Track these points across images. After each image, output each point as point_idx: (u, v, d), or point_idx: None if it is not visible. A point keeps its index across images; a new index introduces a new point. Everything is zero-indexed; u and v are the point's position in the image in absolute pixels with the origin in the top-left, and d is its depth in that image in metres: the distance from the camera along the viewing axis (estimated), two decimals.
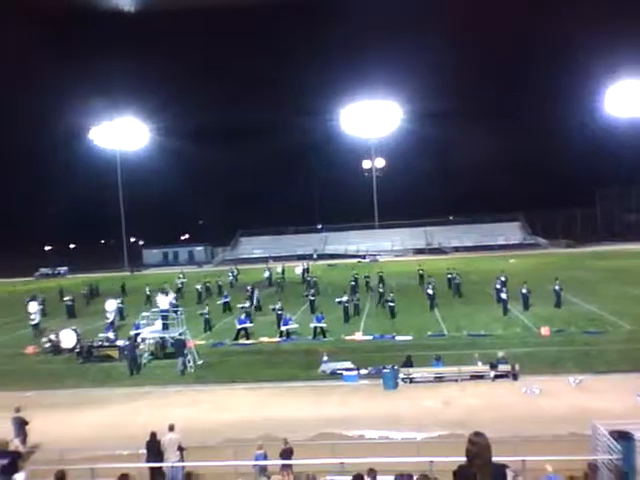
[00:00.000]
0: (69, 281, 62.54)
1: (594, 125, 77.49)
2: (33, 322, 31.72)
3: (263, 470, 12.10)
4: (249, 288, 36.68)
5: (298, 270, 49.57)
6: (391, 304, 30.94)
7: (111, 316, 31.36)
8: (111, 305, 31.89)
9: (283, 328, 27.44)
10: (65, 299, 38.70)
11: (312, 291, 35.00)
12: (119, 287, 46.45)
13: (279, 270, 49.58)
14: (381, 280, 39.44)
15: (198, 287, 40.68)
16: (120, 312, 34.49)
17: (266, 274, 47.53)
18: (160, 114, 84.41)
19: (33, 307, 32.47)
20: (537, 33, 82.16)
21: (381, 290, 34.62)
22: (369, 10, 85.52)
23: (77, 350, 25.60)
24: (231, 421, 16.55)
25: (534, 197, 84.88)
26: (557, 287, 30.77)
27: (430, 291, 32.49)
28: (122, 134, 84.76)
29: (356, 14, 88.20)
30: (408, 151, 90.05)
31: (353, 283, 39.39)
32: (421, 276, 41.63)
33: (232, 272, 49.87)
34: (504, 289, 30.55)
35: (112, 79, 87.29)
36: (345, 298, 31.07)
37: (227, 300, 35.16)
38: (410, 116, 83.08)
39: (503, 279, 32.72)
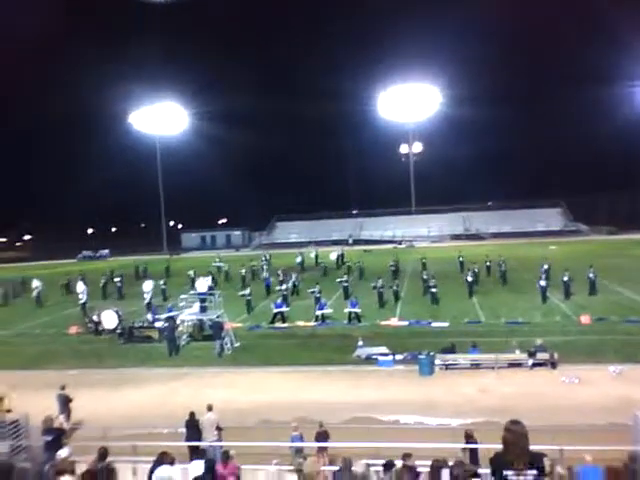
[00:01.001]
0: (111, 263, 63.98)
1: (638, 107, 75.00)
2: (81, 301, 32.96)
3: (299, 451, 12.25)
4: (280, 272, 37.00)
5: (333, 256, 49.16)
6: (433, 290, 30.61)
7: (148, 297, 32.29)
8: (148, 286, 32.79)
9: (318, 312, 27.60)
10: (115, 280, 39.90)
11: (345, 277, 34.63)
12: (163, 269, 47.50)
13: (312, 255, 49.53)
14: (424, 267, 39.15)
15: (242, 271, 40.56)
16: (163, 293, 35.45)
17: (298, 259, 47.48)
18: (199, 99, 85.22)
19: (80, 287, 33.56)
20: (576, 16, 79.66)
21: (425, 277, 33.95)
22: None
23: (119, 331, 26.27)
24: (267, 403, 16.78)
25: (576, 183, 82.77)
26: (591, 274, 30.34)
27: (469, 278, 31.99)
28: (161, 119, 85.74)
29: None
30: (446, 136, 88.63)
31: (393, 269, 39.09)
32: (461, 263, 40.64)
33: (265, 257, 49.94)
34: (543, 276, 30.09)
35: (152, 63, 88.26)
36: (380, 283, 30.98)
37: (268, 283, 35.91)
38: (448, 100, 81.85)
39: (546, 267, 32.17)
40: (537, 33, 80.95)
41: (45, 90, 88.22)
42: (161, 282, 37.03)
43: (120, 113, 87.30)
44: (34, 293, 37.18)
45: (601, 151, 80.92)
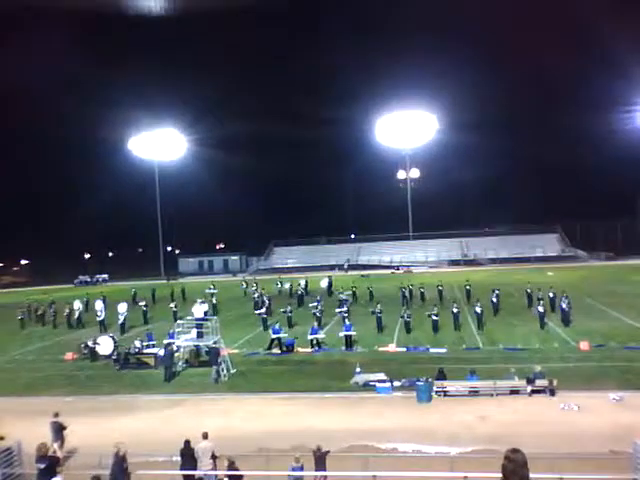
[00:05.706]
0: (110, 288, 63.66)
1: (635, 134, 75.69)
2: (99, 318, 34.93)
3: None
4: (266, 300, 36.74)
5: (323, 283, 47.49)
6: (435, 318, 29.51)
7: (122, 318, 33.80)
8: (122, 308, 34.38)
9: (311, 337, 27.39)
10: (140, 304, 39.85)
11: (345, 308, 33.37)
12: (179, 291, 48.29)
13: (302, 283, 46.18)
14: (440, 293, 38.97)
15: (255, 295, 40.47)
16: (174, 315, 35.42)
17: (287, 285, 45.33)
18: (198, 125, 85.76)
19: (99, 305, 35.68)
20: (573, 42, 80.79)
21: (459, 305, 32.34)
22: (404, 19, 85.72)
23: (114, 357, 26.09)
24: (264, 431, 16.56)
25: (573, 208, 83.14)
26: (565, 303, 29.65)
27: (478, 309, 30.35)
28: (160, 144, 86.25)
29: (391, 23, 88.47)
30: (443, 162, 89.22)
31: (422, 292, 39.25)
32: (468, 291, 38.93)
33: (245, 282, 49.28)
34: (541, 302, 29.95)
35: (151, 89, 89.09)
36: (379, 308, 30.83)
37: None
38: (445, 126, 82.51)
39: (551, 295, 32.00)
40: (534, 60, 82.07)
41: (43, 116, 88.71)
42: (172, 305, 37.99)
43: (119, 139, 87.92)
44: (75, 315, 37.81)
45: (598, 177, 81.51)
